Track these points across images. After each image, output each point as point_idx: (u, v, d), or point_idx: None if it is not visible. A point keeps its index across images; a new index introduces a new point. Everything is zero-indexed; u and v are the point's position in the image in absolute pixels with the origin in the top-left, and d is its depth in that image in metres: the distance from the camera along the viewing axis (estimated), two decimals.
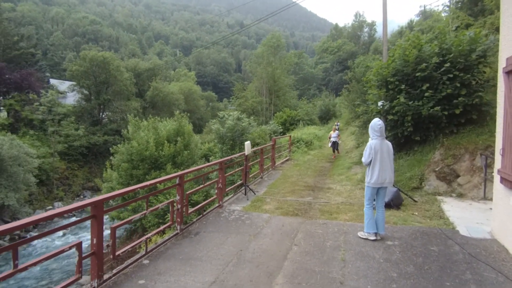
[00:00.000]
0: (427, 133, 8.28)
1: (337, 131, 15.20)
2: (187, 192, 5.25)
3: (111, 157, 18.95)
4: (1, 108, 30.79)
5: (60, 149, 29.73)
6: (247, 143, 7.24)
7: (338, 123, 25.51)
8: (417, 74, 7.91)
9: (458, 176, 7.10)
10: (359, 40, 66.62)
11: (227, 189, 7.44)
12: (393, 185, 6.83)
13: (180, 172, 4.88)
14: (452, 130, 7.87)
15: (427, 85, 7.77)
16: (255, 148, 9.90)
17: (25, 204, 22.15)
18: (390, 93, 8.66)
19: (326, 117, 32.33)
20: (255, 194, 7.70)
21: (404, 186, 7.37)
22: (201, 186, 5.79)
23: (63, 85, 34.54)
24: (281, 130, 23.68)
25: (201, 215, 5.84)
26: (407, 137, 8.71)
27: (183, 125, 19.63)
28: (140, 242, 4.17)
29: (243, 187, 7.60)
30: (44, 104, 29.15)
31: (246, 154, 7.31)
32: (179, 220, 4.97)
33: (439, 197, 6.77)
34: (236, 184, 7.75)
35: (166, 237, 4.93)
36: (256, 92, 41.50)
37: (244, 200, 7.20)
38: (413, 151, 8.69)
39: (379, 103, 8.90)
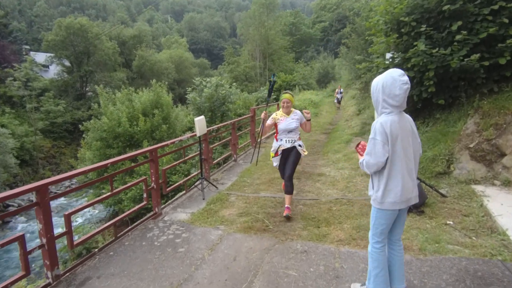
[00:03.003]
0: (455, 94, 5.94)
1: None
2: (67, 213, 3.10)
3: (83, 135, 17.09)
4: None
5: (42, 126, 27.72)
6: (198, 119, 4.97)
7: (341, 90, 21.87)
8: (444, 8, 5.42)
9: (503, 154, 4.88)
10: None
11: (172, 187, 5.32)
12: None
13: (37, 183, 2.70)
14: (492, 88, 5.54)
15: (459, 23, 5.31)
16: (221, 124, 7.56)
17: (5, 187, 20.65)
18: (404, 40, 6.19)
19: (324, 80, 29.62)
20: (217, 188, 5.57)
21: (425, 171, 5.19)
22: (91, 201, 3.54)
23: (36, 56, 31.70)
24: (275, 96, 21.13)
25: (114, 239, 3.73)
26: (426, 101, 6.38)
27: (161, 95, 17.44)
28: None
29: (199, 180, 5.43)
30: (18, 79, 26.66)
31: (198, 135, 5.08)
32: (47, 263, 2.88)
33: (476, 188, 4.61)
34: (186, 178, 5.54)
35: None
36: (249, 56, 38.18)
37: (199, 200, 5.08)
38: (433, 120, 6.41)
39: (388, 55, 6.49)
